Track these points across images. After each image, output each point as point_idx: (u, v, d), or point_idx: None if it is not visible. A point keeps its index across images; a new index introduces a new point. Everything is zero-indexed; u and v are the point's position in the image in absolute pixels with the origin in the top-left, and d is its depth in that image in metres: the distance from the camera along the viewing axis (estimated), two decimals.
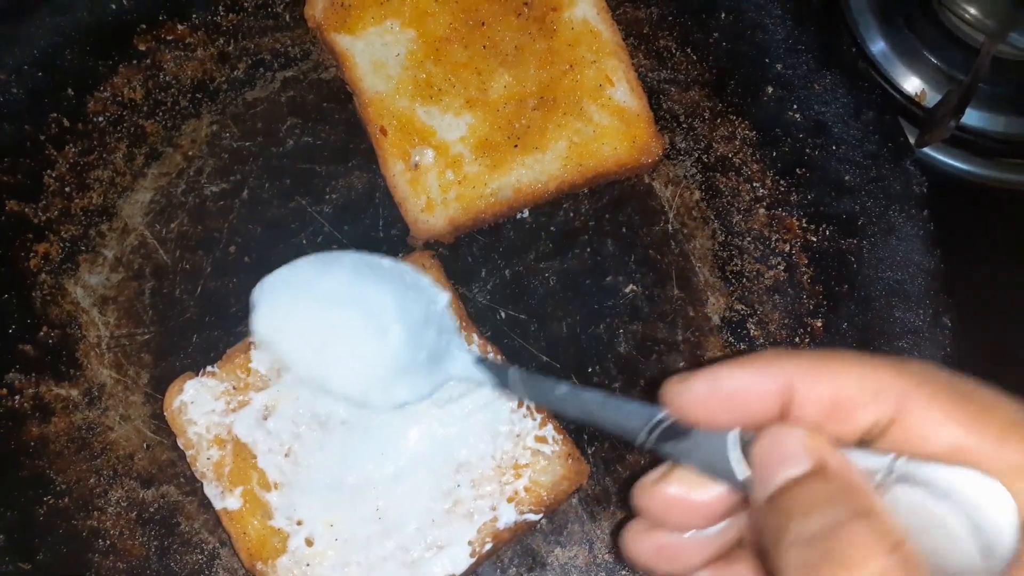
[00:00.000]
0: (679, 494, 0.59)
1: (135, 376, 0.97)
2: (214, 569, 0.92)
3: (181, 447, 0.88)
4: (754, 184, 1.05)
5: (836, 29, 1.11)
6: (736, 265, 1.03)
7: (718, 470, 0.56)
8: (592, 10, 1.03)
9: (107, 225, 1.01)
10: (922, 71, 1.22)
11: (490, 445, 0.87)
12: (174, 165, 1.04)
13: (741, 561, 0.62)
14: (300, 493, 0.86)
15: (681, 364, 0.99)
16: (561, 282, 1.01)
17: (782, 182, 1.05)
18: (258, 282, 0.82)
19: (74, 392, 0.96)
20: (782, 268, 1.03)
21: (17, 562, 0.91)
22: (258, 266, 0.99)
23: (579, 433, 0.96)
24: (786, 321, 1.01)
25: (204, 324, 0.98)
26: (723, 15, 1.10)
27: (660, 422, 0.60)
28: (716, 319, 1.01)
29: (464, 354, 0.79)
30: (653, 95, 1.07)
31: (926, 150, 1.20)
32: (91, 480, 0.93)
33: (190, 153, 1.04)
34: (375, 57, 1.01)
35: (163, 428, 0.93)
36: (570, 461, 0.88)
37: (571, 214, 1.04)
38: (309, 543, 0.85)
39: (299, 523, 0.85)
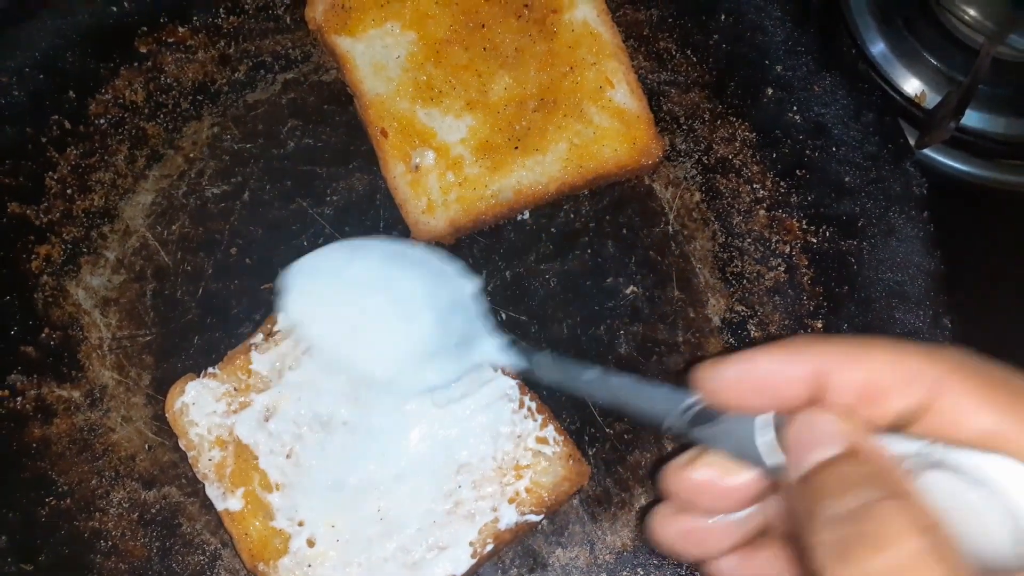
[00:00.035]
0: (708, 478, 0.59)
1: (137, 377, 0.97)
2: (216, 570, 0.92)
3: (183, 448, 0.88)
4: (754, 185, 1.05)
5: (836, 31, 1.11)
6: (736, 266, 1.03)
7: (748, 454, 0.57)
8: (592, 12, 1.04)
9: (108, 227, 1.02)
10: (922, 72, 1.22)
11: (491, 446, 0.88)
12: (175, 167, 1.04)
13: (767, 548, 0.62)
14: (302, 494, 0.86)
15: (681, 365, 0.99)
16: (561, 283, 1.01)
17: (782, 183, 1.05)
18: (288, 266, 0.84)
19: (76, 393, 0.96)
20: (782, 269, 1.03)
21: (19, 563, 0.91)
22: (259, 268, 1.00)
23: (580, 434, 0.96)
24: (787, 322, 1.01)
25: (205, 325, 0.99)
26: (723, 17, 1.10)
27: (690, 406, 0.60)
28: (716, 320, 1.01)
29: (493, 338, 0.81)
30: (653, 97, 1.07)
31: (926, 151, 1.20)
32: (93, 481, 0.94)
33: (191, 155, 1.04)
34: (376, 59, 1.01)
35: (165, 429, 0.93)
36: (571, 462, 0.88)
37: (571, 216, 1.04)
38: (311, 544, 0.85)
39: (301, 524, 0.85)
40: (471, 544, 0.86)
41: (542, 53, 1.02)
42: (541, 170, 1.00)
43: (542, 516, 0.88)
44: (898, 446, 0.52)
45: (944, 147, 1.20)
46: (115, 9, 1.07)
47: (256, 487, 0.86)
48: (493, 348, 0.80)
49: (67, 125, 1.04)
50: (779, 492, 0.59)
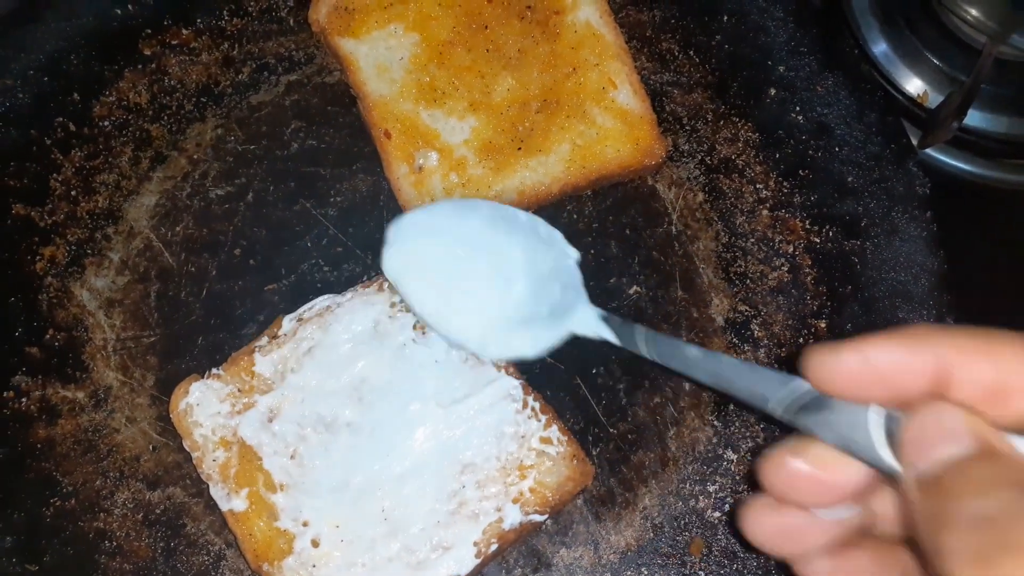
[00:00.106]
0: (811, 470, 0.56)
1: (141, 378, 0.97)
2: (220, 570, 0.92)
3: (187, 449, 0.88)
4: (757, 186, 1.06)
5: (838, 31, 1.11)
6: (740, 266, 1.03)
7: (858, 447, 0.54)
8: (595, 13, 1.04)
9: (113, 228, 1.02)
10: (924, 72, 1.22)
11: (495, 446, 0.88)
12: (179, 169, 1.04)
13: (865, 549, 0.59)
14: (306, 494, 0.86)
15: None
16: None
17: (785, 184, 1.05)
18: (393, 221, 0.84)
19: (80, 394, 0.96)
20: (786, 269, 1.03)
21: (24, 564, 0.91)
22: (263, 269, 1.00)
23: (584, 434, 0.96)
24: (790, 322, 1.01)
25: (209, 327, 0.99)
26: (725, 18, 1.10)
27: (796, 392, 0.57)
28: (720, 320, 1.01)
29: (589, 310, 0.80)
30: (656, 97, 1.07)
31: (929, 151, 1.20)
32: (97, 482, 0.94)
33: (195, 157, 1.04)
34: (379, 61, 1.01)
35: (169, 430, 0.93)
36: (575, 462, 0.88)
37: (575, 216, 1.04)
38: (315, 544, 0.85)
39: (305, 524, 0.85)
40: (475, 544, 0.85)
41: (545, 54, 1.02)
42: (544, 171, 1.00)
43: (546, 516, 0.88)
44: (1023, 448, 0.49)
45: (947, 147, 1.20)
46: (119, 12, 1.08)
47: (260, 488, 0.86)
48: (589, 319, 0.79)
49: (71, 127, 1.04)
50: (887, 489, 0.57)
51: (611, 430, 0.97)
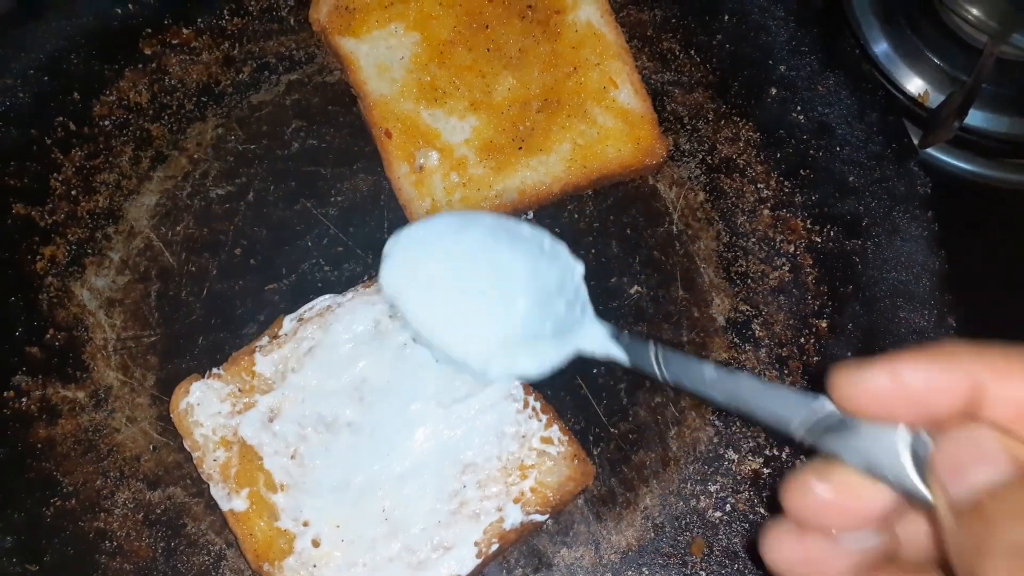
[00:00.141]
0: (837, 495, 0.53)
1: (141, 378, 0.97)
2: (221, 570, 0.92)
3: (187, 449, 0.88)
4: (758, 185, 1.05)
5: (839, 31, 1.11)
6: (741, 266, 1.03)
7: (885, 470, 0.51)
8: (596, 13, 1.04)
9: (113, 228, 1.02)
10: (925, 72, 1.22)
11: (496, 446, 0.87)
12: (180, 168, 1.04)
13: (888, 575, 0.57)
14: (306, 494, 0.86)
15: None
16: None
17: (786, 183, 1.05)
18: (393, 233, 0.81)
19: (81, 394, 0.96)
20: (787, 269, 1.03)
21: (24, 564, 0.91)
22: (264, 268, 1.00)
23: (585, 434, 0.96)
24: (791, 322, 1.01)
25: (210, 326, 0.99)
26: (726, 17, 1.10)
27: (821, 413, 0.55)
28: (721, 320, 1.01)
29: (597, 326, 0.76)
30: (657, 97, 1.07)
31: (930, 151, 1.20)
32: (98, 482, 0.94)
33: (195, 156, 1.04)
34: (379, 60, 1.01)
35: (169, 430, 0.93)
36: (576, 462, 0.88)
37: (575, 216, 1.04)
38: (316, 544, 0.85)
39: (305, 524, 0.85)
40: (476, 544, 0.85)
41: (546, 54, 1.02)
42: (545, 170, 1.00)
43: (547, 516, 0.88)
44: None
45: (948, 146, 1.20)
46: (119, 11, 1.07)
47: (261, 487, 0.86)
48: (597, 337, 0.75)
49: (72, 127, 1.04)
50: (913, 513, 0.55)
51: (612, 430, 0.97)
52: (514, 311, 0.77)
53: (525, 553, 0.93)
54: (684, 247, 1.03)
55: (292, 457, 0.87)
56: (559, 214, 1.04)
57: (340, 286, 0.97)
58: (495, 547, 0.86)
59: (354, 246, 1.01)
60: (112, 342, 0.98)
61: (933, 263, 1.02)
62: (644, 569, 0.93)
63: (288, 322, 0.91)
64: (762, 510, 0.95)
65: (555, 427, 0.89)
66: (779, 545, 0.57)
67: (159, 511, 0.93)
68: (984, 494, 0.46)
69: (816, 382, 0.99)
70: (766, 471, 0.96)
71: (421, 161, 0.99)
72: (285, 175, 1.04)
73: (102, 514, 0.93)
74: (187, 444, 0.88)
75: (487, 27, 1.03)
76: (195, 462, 0.88)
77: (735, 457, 0.97)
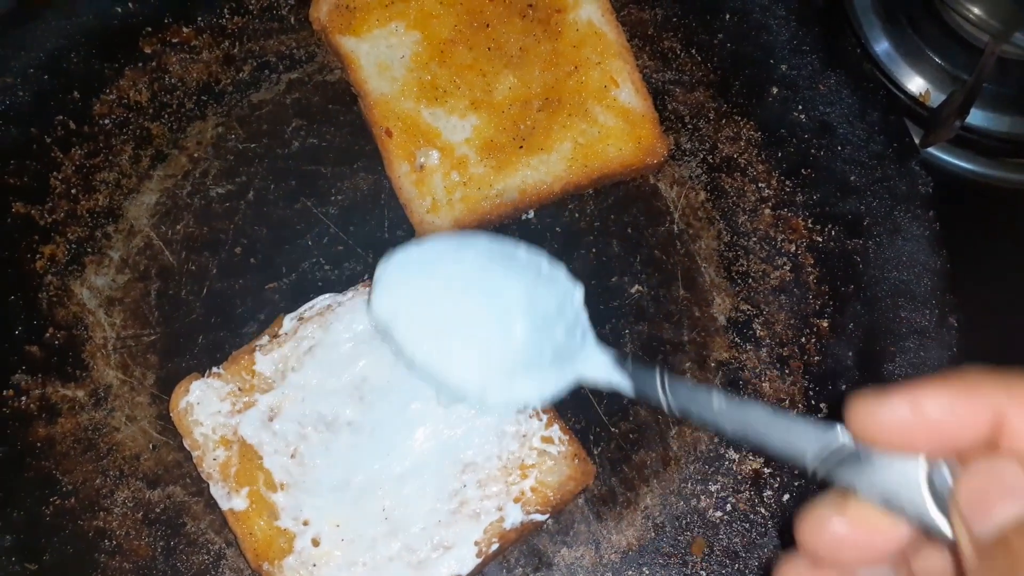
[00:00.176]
0: (852, 530, 0.52)
1: (141, 377, 0.97)
2: (220, 570, 0.92)
3: (187, 448, 0.88)
4: (759, 184, 1.05)
5: (840, 30, 1.11)
6: (742, 265, 1.03)
7: (904, 504, 0.50)
8: (597, 11, 1.04)
9: (113, 227, 1.02)
10: (926, 71, 1.22)
11: (496, 445, 0.87)
12: (180, 167, 1.04)
13: None
14: (306, 494, 0.86)
15: (688, 364, 0.99)
16: None
17: (787, 182, 1.05)
18: (382, 258, 0.78)
19: (80, 393, 0.96)
20: (788, 268, 1.03)
21: (24, 562, 0.91)
22: (264, 267, 1.00)
23: (585, 434, 0.96)
24: (792, 321, 1.01)
25: (210, 325, 0.98)
26: (728, 16, 1.10)
27: (835, 444, 0.53)
28: (722, 319, 1.01)
29: (601, 354, 0.74)
30: (658, 96, 1.07)
31: (931, 150, 1.20)
32: (97, 480, 0.94)
33: (196, 155, 1.04)
34: (380, 59, 1.01)
35: (169, 429, 0.93)
36: (576, 461, 0.88)
37: (576, 215, 1.04)
38: (315, 543, 0.85)
39: (305, 524, 0.85)
40: (476, 543, 0.85)
41: (546, 52, 1.02)
42: (546, 169, 0.99)
43: (547, 515, 0.88)
44: None
45: (949, 146, 1.20)
46: (119, 10, 1.07)
47: (260, 487, 0.86)
48: (599, 364, 0.73)
49: (71, 125, 1.04)
50: (930, 547, 0.53)
51: (612, 429, 0.97)
52: (512, 337, 0.74)
53: (525, 553, 0.93)
54: (685, 246, 1.03)
55: (292, 456, 0.87)
56: (560, 213, 1.04)
57: (340, 285, 0.97)
58: (495, 547, 0.86)
59: (354, 245, 1.01)
60: (112, 341, 0.98)
61: (934, 262, 1.02)
62: (644, 569, 0.93)
63: (288, 321, 0.91)
64: (763, 510, 0.95)
65: (555, 426, 0.89)
66: None
67: (159, 510, 0.93)
68: (1009, 529, 0.44)
69: (817, 382, 0.99)
70: (767, 471, 0.96)
71: (422, 160, 0.99)
72: (285, 174, 1.04)
73: (101, 513, 0.93)
74: (187, 443, 0.88)
75: (488, 26, 1.02)
76: (195, 461, 0.88)
77: (736, 457, 0.96)
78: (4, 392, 0.95)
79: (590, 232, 1.03)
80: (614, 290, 1.01)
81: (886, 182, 1.04)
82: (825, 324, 1.01)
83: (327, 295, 0.92)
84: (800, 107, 1.07)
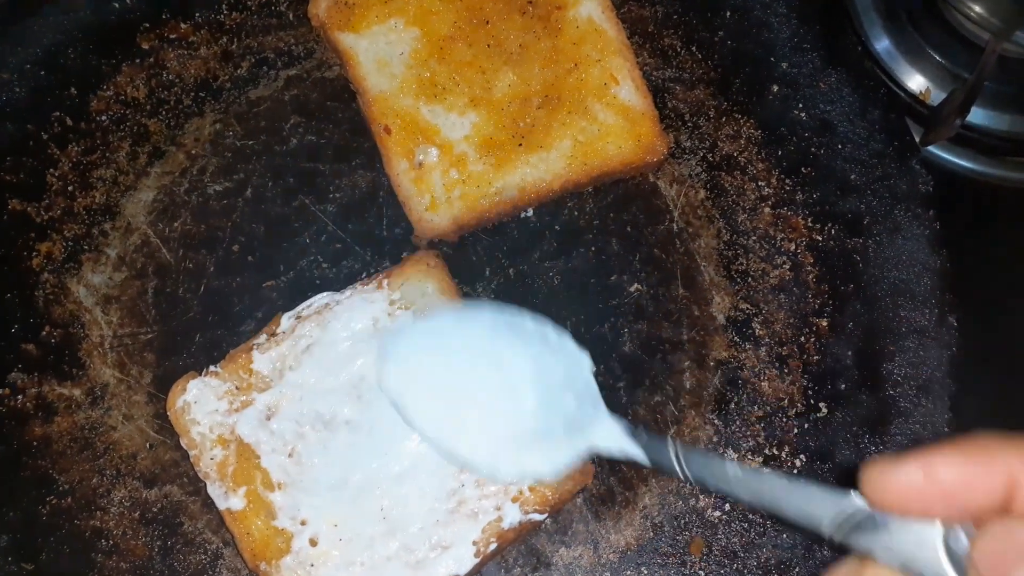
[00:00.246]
0: None
1: (138, 375, 0.97)
2: (217, 569, 0.91)
3: (184, 447, 0.88)
4: (759, 183, 1.05)
5: (841, 28, 1.11)
6: (741, 264, 1.02)
7: (922, 567, 0.50)
8: (597, 8, 1.03)
9: (110, 224, 1.01)
10: (927, 69, 1.22)
11: None
12: (177, 164, 1.03)
13: None
14: (304, 493, 0.85)
15: (687, 363, 0.99)
16: (565, 281, 1.01)
17: (787, 181, 1.05)
18: (389, 333, 0.79)
19: (77, 392, 0.96)
20: (787, 267, 1.02)
21: (20, 562, 0.90)
22: (261, 265, 1.00)
23: None
24: (791, 320, 1.01)
25: (207, 323, 0.98)
26: (728, 14, 1.09)
27: (850, 510, 0.54)
28: (721, 318, 1.01)
29: (613, 424, 0.74)
30: (658, 94, 1.06)
31: (931, 148, 1.20)
32: (94, 480, 0.93)
33: (193, 152, 1.04)
34: (379, 56, 1.01)
35: (166, 428, 0.92)
36: None
37: (575, 213, 1.03)
38: (313, 543, 0.84)
39: (303, 523, 0.85)
40: (474, 543, 0.85)
41: (546, 50, 1.02)
42: (545, 167, 0.99)
43: (546, 515, 0.88)
44: None
45: (949, 144, 1.20)
46: (117, 6, 1.07)
47: (258, 486, 0.86)
48: (611, 433, 0.72)
49: (68, 122, 1.03)
50: None
51: None
52: (521, 409, 0.74)
53: (523, 552, 0.93)
54: (684, 245, 1.03)
55: (290, 455, 0.86)
56: (559, 211, 1.03)
57: (338, 283, 0.96)
58: (493, 546, 0.85)
59: (353, 243, 1.01)
60: (108, 339, 0.97)
61: (934, 261, 1.01)
62: (643, 568, 0.93)
63: (286, 320, 0.90)
64: None
65: None
66: None
67: (155, 509, 0.93)
68: None
69: (816, 381, 0.99)
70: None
71: (420, 157, 0.98)
72: (283, 171, 1.03)
73: (98, 512, 0.92)
74: (184, 442, 0.88)
75: (487, 23, 1.02)
76: (192, 460, 0.87)
77: (735, 456, 0.96)
78: (0, 391, 0.95)
79: (589, 230, 1.03)
80: (613, 288, 1.01)
81: (886, 181, 1.04)
82: (824, 323, 1.01)
83: (325, 293, 0.92)
84: (800, 105, 1.07)
